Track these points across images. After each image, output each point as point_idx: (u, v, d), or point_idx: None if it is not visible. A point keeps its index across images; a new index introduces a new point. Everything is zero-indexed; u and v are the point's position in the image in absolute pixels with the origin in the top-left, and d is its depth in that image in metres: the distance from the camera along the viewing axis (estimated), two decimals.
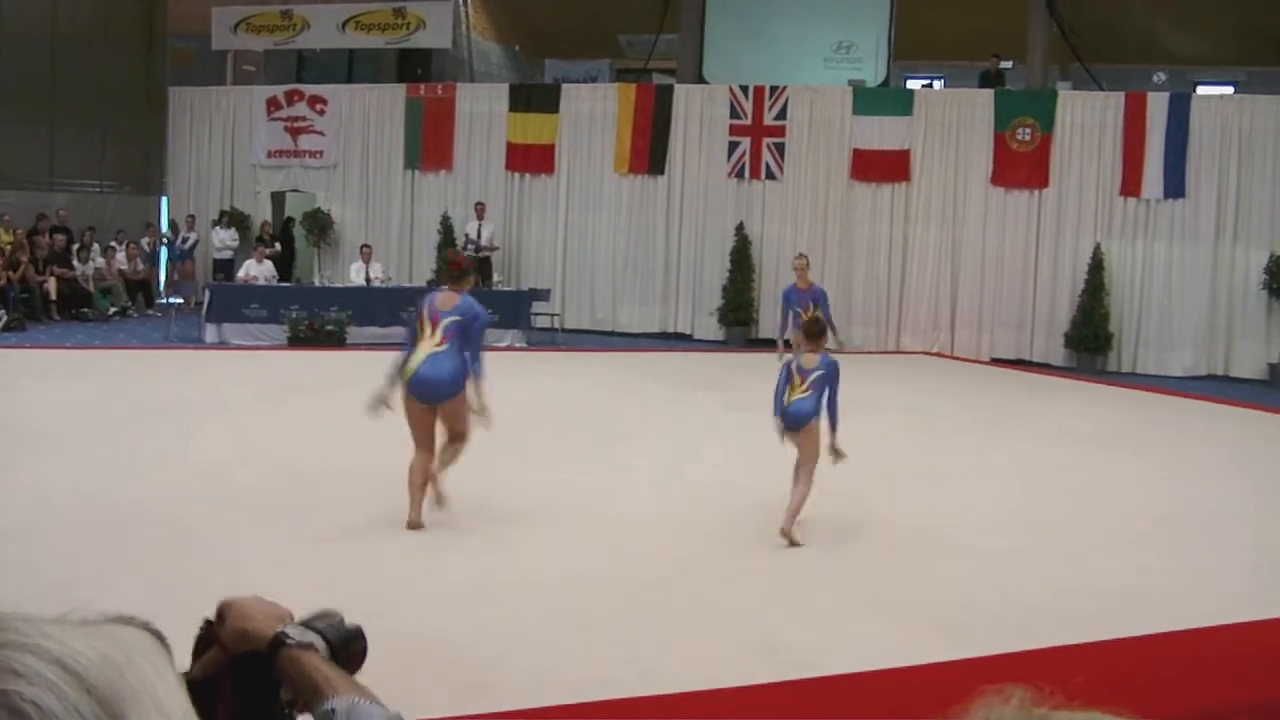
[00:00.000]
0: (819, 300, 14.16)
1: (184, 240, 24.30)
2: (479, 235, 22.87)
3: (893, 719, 5.48)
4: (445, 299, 8.81)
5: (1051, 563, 8.19)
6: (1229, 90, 24.45)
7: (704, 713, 5.55)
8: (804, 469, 8.88)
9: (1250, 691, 5.90)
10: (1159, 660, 6.30)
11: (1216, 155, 20.46)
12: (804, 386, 8.89)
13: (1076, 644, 6.45)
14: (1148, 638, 6.60)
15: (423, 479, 8.54)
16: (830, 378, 8.88)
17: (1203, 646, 6.52)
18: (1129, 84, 22.25)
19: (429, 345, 8.54)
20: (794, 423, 8.87)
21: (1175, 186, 20.63)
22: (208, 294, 20.09)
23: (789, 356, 10.01)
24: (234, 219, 24.60)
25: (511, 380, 15.33)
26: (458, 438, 8.73)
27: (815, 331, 9.43)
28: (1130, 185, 20.92)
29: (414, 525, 8.35)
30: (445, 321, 8.61)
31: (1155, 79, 22.86)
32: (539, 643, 6.28)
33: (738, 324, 22.33)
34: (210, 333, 19.41)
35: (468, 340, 8.62)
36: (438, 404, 8.53)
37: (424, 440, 8.55)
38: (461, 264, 9.53)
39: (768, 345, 21.79)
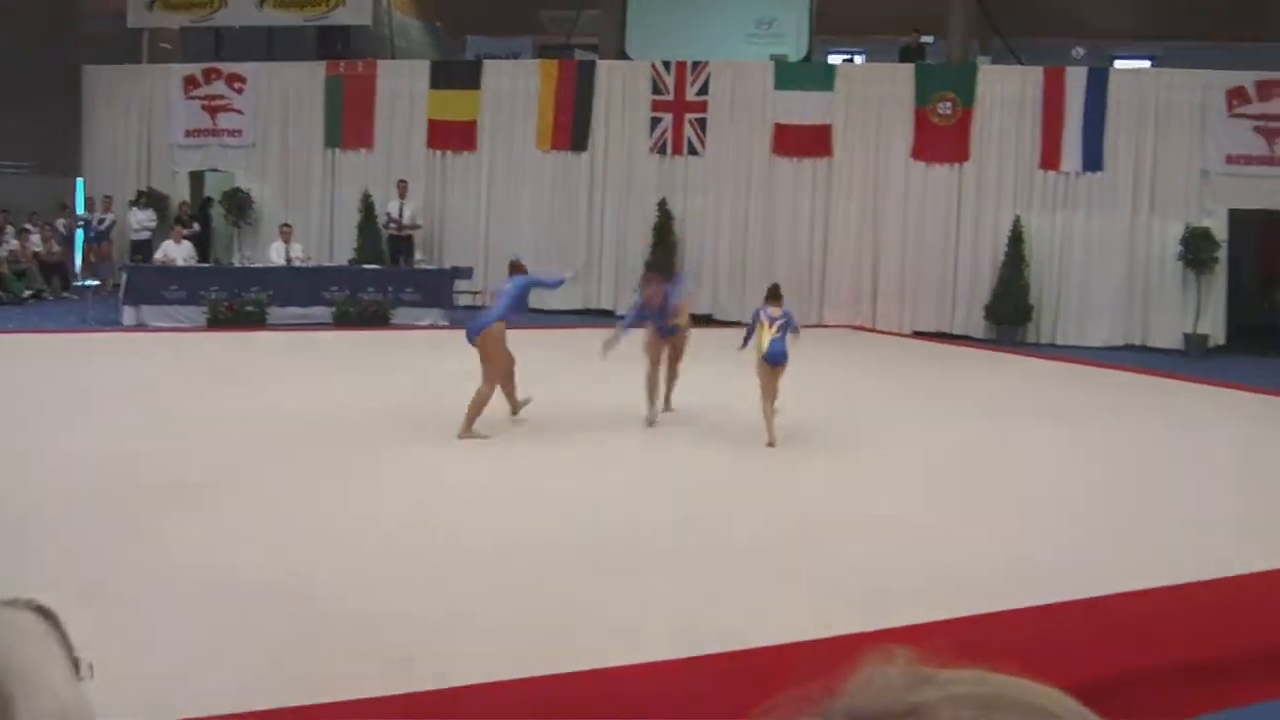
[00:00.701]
0: (676, 291, 13.27)
1: (100, 221, 23.95)
2: (401, 214, 22.75)
3: None
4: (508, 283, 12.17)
5: (971, 534, 8.27)
6: (1146, 64, 24.69)
7: (626, 685, 5.56)
8: (772, 392, 11.57)
9: (1159, 655, 6.00)
10: (1073, 627, 6.38)
11: (1134, 128, 20.68)
12: (773, 329, 11.63)
13: (994, 612, 6.52)
14: (1061, 605, 6.68)
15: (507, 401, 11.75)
16: (790, 321, 11.81)
17: (1117, 613, 6.60)
18: (1048, 58, 22.42)
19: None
20: (776, 360, 11.48)
21: (1093, 159, 20.85)
22: (125, 276, 19.82)
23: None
24: (151, 199, 24.27)
25: (435, 358, 15.27)
26: (487, 378, 11.20)
27: (776, 294, 12.30)
28: (1049, 158, 21.12)
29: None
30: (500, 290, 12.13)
31: (1074, 53, 23.02)
32: (460, 621, 6.27)
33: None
34: (128, 315, 19.14)
35: (526, 293, 12.33)
36: (473, 343, 11.31)
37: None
38: (518, 266, 12.90)
39: (692, 321, 21.85)
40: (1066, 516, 8.91)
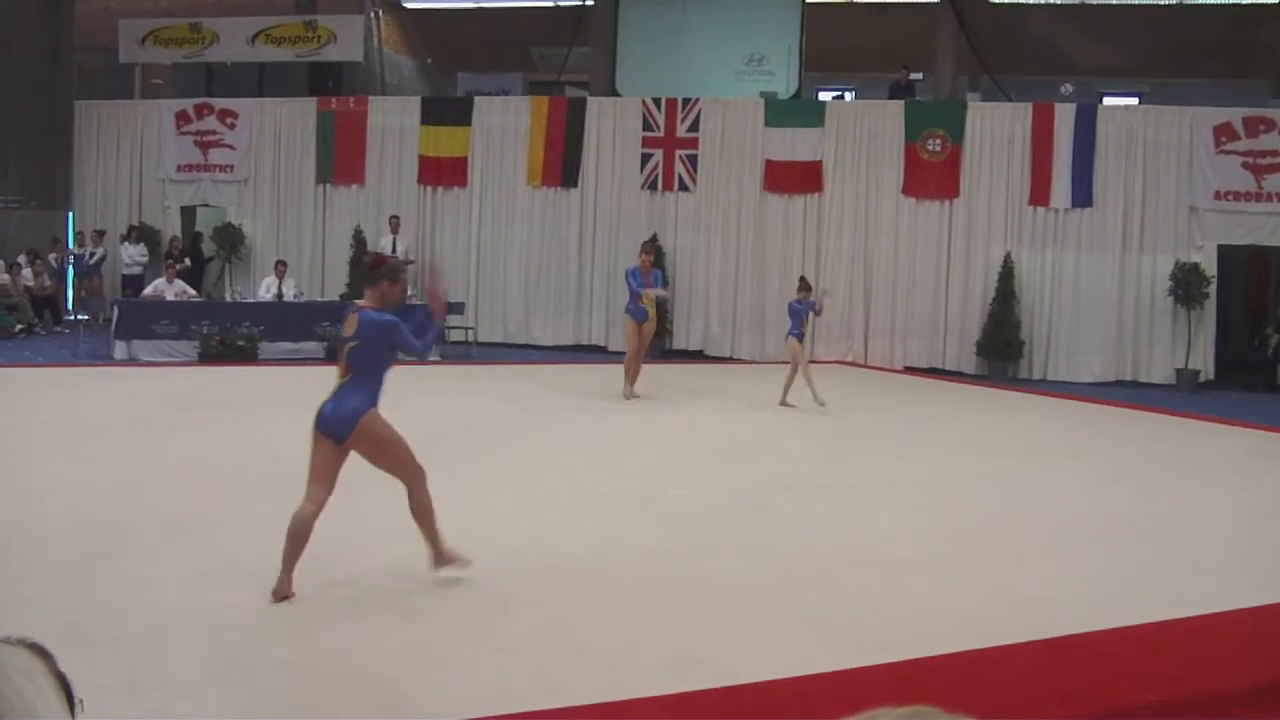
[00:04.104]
0: (658, 280, 17.31)
1: (91, 256, 23.91)
2: (394, 249, 22.73)
3: None
4: None
5: (962, 570, 8.21)
6: (1134, 101, 24.81)
7: None
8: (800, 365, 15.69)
9: (1152, 692, 5.95)
10: (1065, 663, 6.33)
11: (1122, 165, 20.72)
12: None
13: (985, 648, 6.47)
14: (1054, 641, 6.63)
15: None
16: (811, 306, 16.12)
17: (1107, 649, 6.55)
18: (1036, 95, 22.51)
19: None
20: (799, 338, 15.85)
21: (1083, 196, 20.89)
22: (116, 310, 19.77)
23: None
24: (143, 234, 24.27)
25: (425, 396, 15.23)
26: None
27: (805, 284, 16.52)
28: (1039, 195, 21.15)
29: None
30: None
31: (1063, 90, 23.12)
32: (448, 658, 6.21)
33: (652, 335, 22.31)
34: (119, 349, 19.08)
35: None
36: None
37: None
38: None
39: (682, 357, 21.87)
40: (1064, 551, 8.86)
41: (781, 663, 6.18)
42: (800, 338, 15.96)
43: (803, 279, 17.14)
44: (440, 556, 7.47)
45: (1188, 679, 6.21)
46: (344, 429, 7.17)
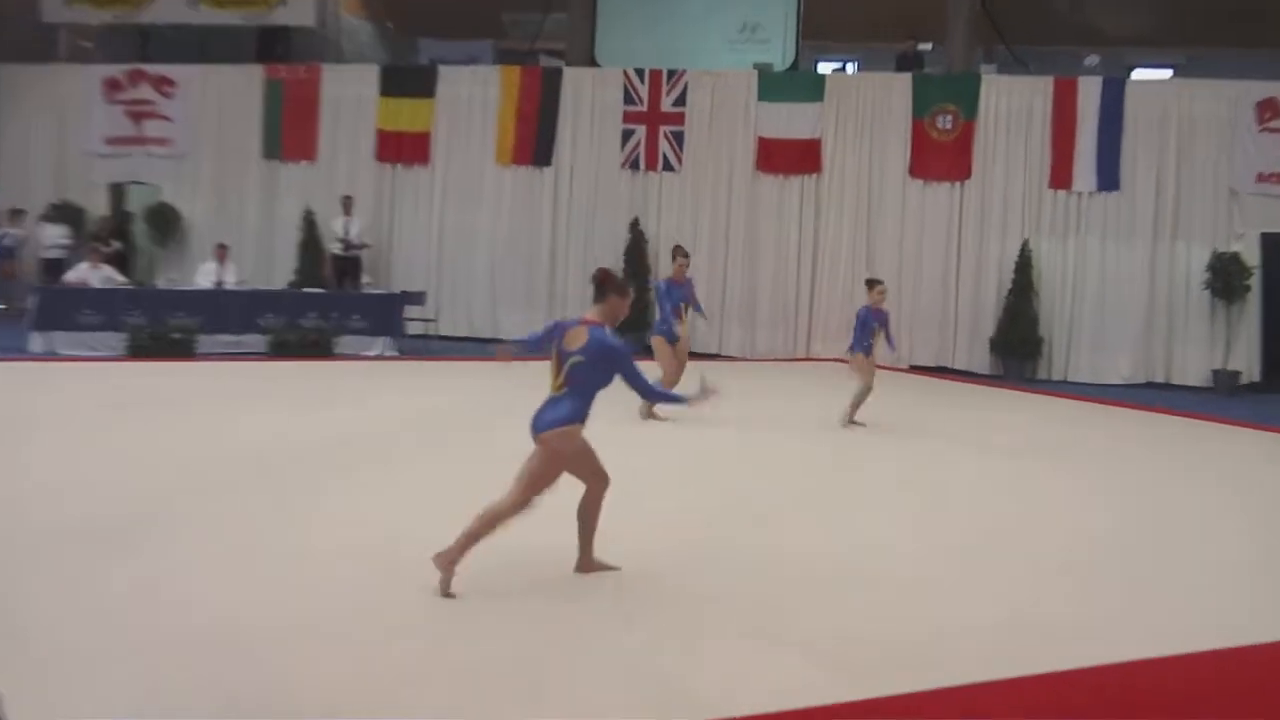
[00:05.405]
0: (693, 291, 15.61)
1: (5, 237, 23.49)
2: (346, 232, 22.38)
3: None
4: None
5: (968, 593, 7.92)
6: (1167, 74, 24.62)
7: None
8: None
9: None
10: (1071, 696, 6.18)
11: (1154, 144, 20.64)
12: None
13: (989, 681, 6.27)
14: (1061, 674, 6.44)
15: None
16: (883, 319, 14.62)
17: (1120, 681, 6.40)
18: (1058, 67, 22.34)
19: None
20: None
21: (1109, 178, 20.73)
22: (34, 298, 19.29)
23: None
24: (66, 214, 23.87)
25: (380, 394, 14.89)
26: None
27: (874, 285, 14.77)
28: (1060, 177, 21.02)
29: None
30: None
31: (1087, 62, 22.95)
32: (416, 686, 5.97)
33: (631, 329, 21.98)
34: (37, 342, 18.65)
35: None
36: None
37: None
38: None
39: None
40: (1080, 570, 8.59)
41: (769, 694, 5.95)
42: (867, 351, 14.62)
43: (875, 280, 15.18)
44: (587, 561, 8.02)
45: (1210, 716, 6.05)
46: (545, 429, 7.65)
